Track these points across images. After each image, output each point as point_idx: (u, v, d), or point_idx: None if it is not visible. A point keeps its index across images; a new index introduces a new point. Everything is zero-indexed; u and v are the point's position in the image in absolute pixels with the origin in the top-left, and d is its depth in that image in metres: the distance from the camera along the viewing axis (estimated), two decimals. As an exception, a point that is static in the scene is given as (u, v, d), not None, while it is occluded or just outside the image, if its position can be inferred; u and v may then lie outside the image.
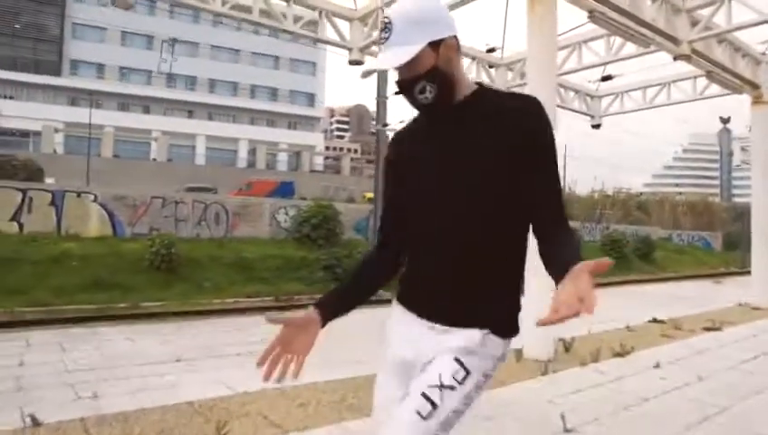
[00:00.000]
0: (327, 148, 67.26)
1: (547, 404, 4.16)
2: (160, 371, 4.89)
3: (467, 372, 1.40)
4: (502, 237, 1.43)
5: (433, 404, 1.36)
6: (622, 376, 5.09)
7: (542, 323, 1.11)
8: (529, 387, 4.72)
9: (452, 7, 7.25)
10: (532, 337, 5.69)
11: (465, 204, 1.41)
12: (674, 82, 11.60)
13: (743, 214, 43.56)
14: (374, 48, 8.66)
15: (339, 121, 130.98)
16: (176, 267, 16.73)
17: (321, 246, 22.08)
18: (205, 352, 5.78)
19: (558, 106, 11.80)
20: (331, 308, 1.57)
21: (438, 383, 1.38)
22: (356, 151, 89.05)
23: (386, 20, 1.36)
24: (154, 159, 43.77)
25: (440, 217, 1.44)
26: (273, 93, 52.53)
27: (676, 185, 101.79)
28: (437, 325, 1.46)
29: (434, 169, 1.45)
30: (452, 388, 1.38)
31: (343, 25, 8.35)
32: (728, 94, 10.28)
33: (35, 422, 3.45)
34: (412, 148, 1.54)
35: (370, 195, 39.49)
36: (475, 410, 1.45)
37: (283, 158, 51.25)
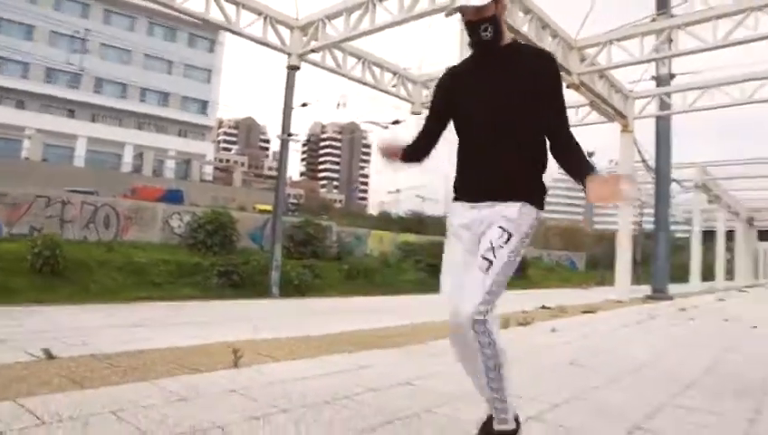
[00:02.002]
0: (215, 159, 65.64)
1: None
2: (130, 332, 5.19)
3: (510, 235, 2.08)
4: (529, 141, 2.13)
5: (489, 261, 2.04)
6: (529, 335, 6.19)
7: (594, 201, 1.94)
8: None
9: (388, 26, 8.18)
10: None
11: (505, 120, 2.10)
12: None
13: (603, 238, 48.99)
14: (316, 57, 9.44)
15: (227, 133, 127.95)
16: (61, 270, 15.92)
17: (217, 253, 21.95)
18: (155, 322, 6.08)
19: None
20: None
21: (490, 246, 2.05)
22: (243, 165, 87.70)
23: None
24: (26, 159, 40.39)
25: (488, 127, 2.14)
26: (165, 98, 50.66)
27: (546, 211, 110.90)
28: (484, 203, 2.14)
29: (486, 95, 2.15)
30: (500, 247, 2.05)
31: (284, 33, 9.00)
32: (604, 122, 12.23)
33: (50, 356, 3.75)
34: (466, 80, 2.24)
35: (263, 206, 39.25)
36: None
37: (171, 165, 49.41)
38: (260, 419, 2.68)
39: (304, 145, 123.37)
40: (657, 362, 4.96)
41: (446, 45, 11.72)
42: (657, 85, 13.76)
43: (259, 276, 21.22)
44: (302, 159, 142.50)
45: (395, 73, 11.47)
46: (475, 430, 2.35)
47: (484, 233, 2.12)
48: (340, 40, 8.93)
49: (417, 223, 40.00)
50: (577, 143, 2.15)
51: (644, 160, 14.02)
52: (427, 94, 12.24)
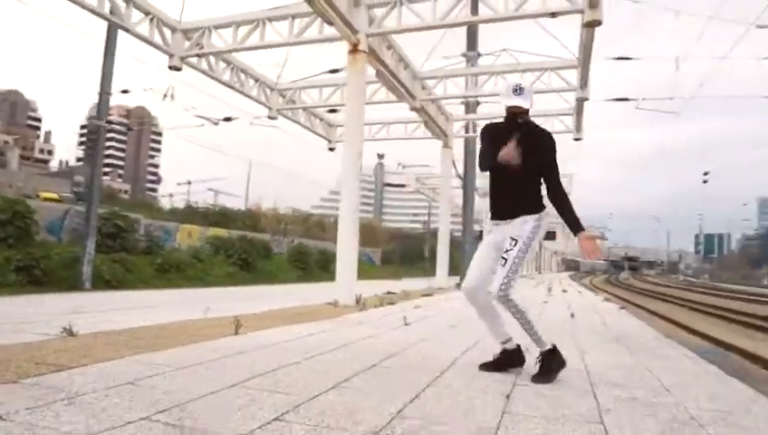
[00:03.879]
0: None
1: (378, 320, 6.63)
2: (84, 317, 5.61)
3: (515, 241, 3.37)
4: (534, 180, 3.44)
5: (505, 260, 3.35)
6: (402, 310, 7.87)
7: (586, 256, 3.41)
8: (360, 314, 7.12)
9: (276, 46, 9.23)
10: (343, 295, 8.19)
11: (520, 167, 3.30)
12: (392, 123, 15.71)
13: (394, 236, 53.89)
14: (192, 59, 9.93)
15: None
16: None
17: (12, 246, 19.97)
18: (86, 309, 6.43)
19: (305, 127, 14.60)
20: None
21: (505, 250, 3.37)
22: (6, 143, 76.27)
23: (521, 85, 3.40)
24: None
25: (508, 172, 3.34)
26: None
27: (337, 208, 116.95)
28: (503, 221, 3.48)
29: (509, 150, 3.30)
30: (509, 250, 3.36)
31: (167, 33, 9.34)
32: (429, 138, 14.70)
33: (71, 333, 4.29)
34: (499, 135, 3.40)
35: (48, 194, 35.25)
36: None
37: None
38: (313, 357, 3.88)
39: (83, 127, 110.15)
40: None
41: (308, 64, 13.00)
42: (466, 112, 16.83)
43: (63, 271, 19.80)
44: (80, 144, 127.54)
45: (257, 80, 12.37)
46: (436, 360, 3.99)
47: (504, 240, 3.45)
48: (227, 50, 9.66)
49: (221, 217, 39.76)
50: (563, 192, 3.45)
51: (457, 172, 16.99)
52: (282, 102, 13.35)
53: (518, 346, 3.69)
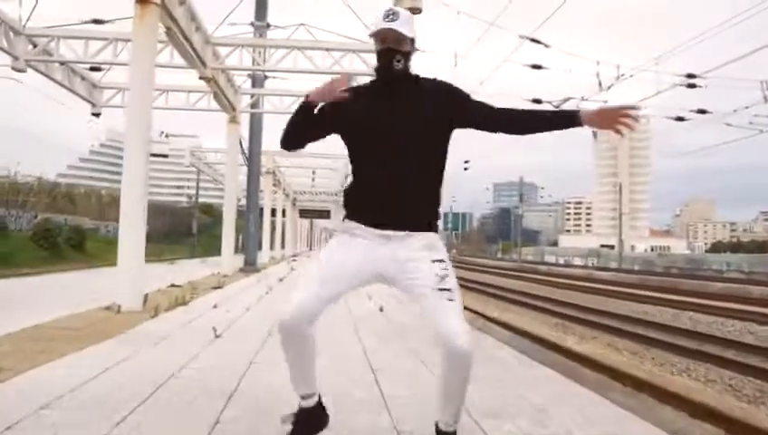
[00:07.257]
0: None
1: (179, 332, 5.52)
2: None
3: (443, 262, 2.20)
4: (439, 161, 2.25)
5: (451, 294, 2.13)
6: (200, 313, 6.78)
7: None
8: (153, 323, 5.87)
9: None
10: (126, 296, 6.75)
11: (414, 145, 2.17)
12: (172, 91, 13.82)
13: (157, 210, 48.90)
14: None
15: None
16: None
17: None
18: None
19: (66, 88, 12.08)
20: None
21: (441, 278, 2.14)
22: None
23: (395, 9, 2.21)
24: None
25: (394, 152, 2.13)
26: None
27: (91, 178, 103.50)
28: (395, 232, 2.16)
29: (390, 121, 2.18)
30: (446, 278, 2.15)
31: None
32: (216, 110, 13.36)
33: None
34: (369, 103, 2.23)
35: None
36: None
37: None
38: (125, 420, 2.84)
39: None
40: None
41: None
42: (253, 85, 15.72)
43: None
44: None
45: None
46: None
47: (415, 260, 2.21)
48: None
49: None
50: (518, 110, 2.34)
51: (242, 147, 15.87)
52: (32, 51, 10.72)
53: (320, 401, 2.46)
